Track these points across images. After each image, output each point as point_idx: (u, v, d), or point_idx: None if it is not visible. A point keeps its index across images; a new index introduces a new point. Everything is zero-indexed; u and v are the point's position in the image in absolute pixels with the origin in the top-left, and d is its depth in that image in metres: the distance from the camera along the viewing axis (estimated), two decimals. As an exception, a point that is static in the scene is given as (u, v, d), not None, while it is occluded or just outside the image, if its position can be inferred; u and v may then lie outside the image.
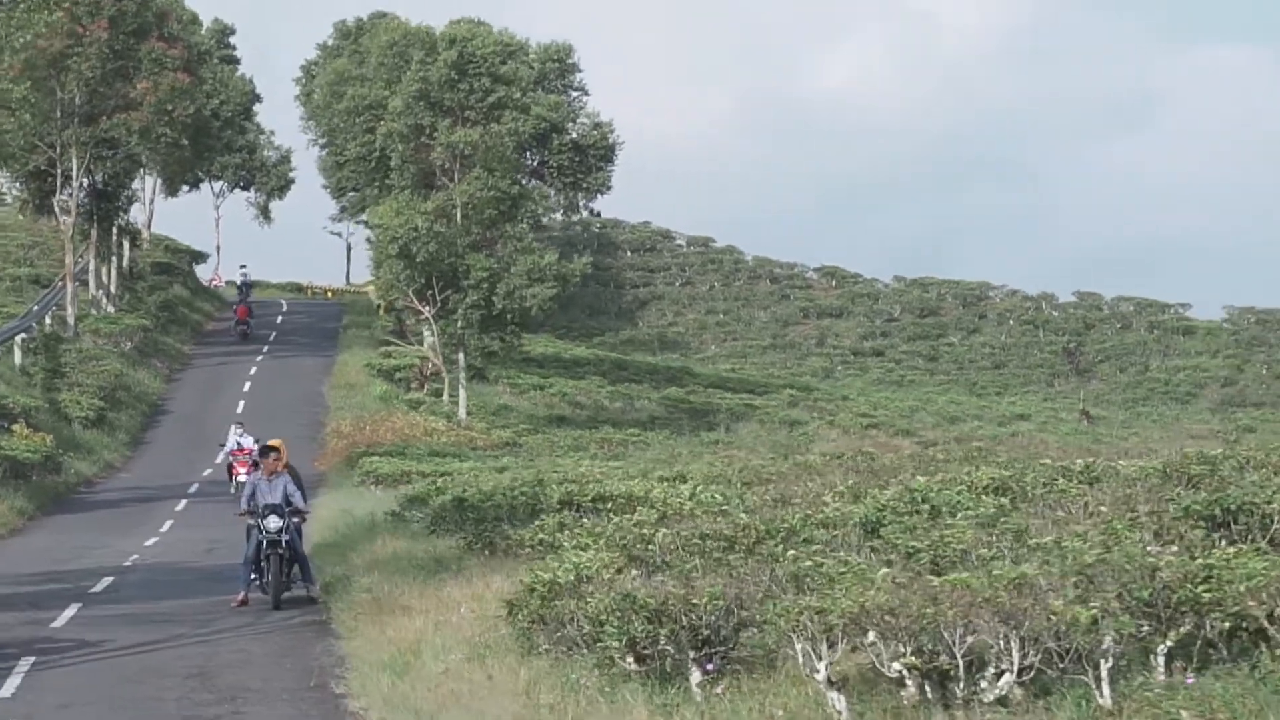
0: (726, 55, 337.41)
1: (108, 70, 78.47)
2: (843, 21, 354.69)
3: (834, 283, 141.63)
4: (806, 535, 19.09)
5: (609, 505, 24.49)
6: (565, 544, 19.99)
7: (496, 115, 77.55)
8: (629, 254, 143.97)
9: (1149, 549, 15.64)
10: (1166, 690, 13.34)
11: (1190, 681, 13.50)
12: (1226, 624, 13.94)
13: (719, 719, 15.10)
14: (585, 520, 22.43)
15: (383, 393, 75.25)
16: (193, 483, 56.00)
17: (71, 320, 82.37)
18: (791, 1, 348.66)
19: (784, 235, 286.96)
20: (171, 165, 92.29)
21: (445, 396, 76.58)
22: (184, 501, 51.29)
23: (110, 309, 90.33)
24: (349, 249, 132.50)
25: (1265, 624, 13.82)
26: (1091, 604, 13.77)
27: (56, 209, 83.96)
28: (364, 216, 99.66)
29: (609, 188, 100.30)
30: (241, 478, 49.46)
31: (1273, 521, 16.79)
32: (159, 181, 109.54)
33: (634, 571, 17.98)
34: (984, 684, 14.06)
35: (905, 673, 14.27)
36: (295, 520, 28.70)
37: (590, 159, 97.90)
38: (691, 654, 16.22)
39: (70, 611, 27.76)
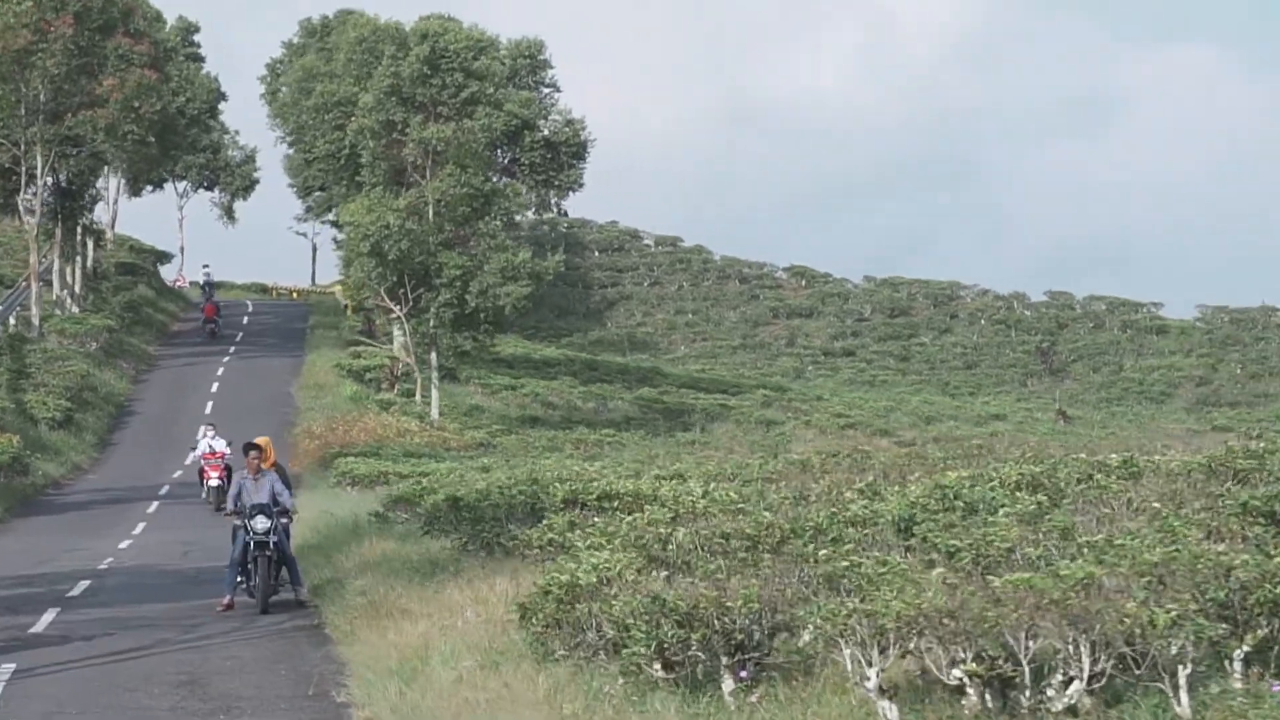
0: (689, 55, 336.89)
1: (73, 67, 77.31)
2: (807, 22, 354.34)
3: (803, 282, 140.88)
4: (834, 534, 18.12)
5: (615, 504, 23.50)
6: (578, 544, 18.93)
7: (469, 111, 76.72)
8: (597, 254, 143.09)
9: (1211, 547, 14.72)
10: (1251, 698, 12.44)
11: (1277, 689, 12.58)
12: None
13: (757, 730, 14.15)
14: (596, 520, 21.39)
15: (353, 393, 74.33)
16: (163, 484, 55.15)
17: (36, 321, 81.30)
18: (754, 4, 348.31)
19: (751, 235, 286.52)
20: (138, 163, 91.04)
21: (418, 397, 75.64)
22: (155, 503, 50.42)
23: (75, 309, 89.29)
24: (314, 249, 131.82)
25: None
26: (1169, 606, 12.82)
27: (20, 208, 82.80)
28: (331, 216, 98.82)
29: (581, 185, 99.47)
30: (213, 482, 48.54)
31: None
32: (123, 181, 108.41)
33: (663, 572, 16.99)
34: (1050, 692, 13.12)
35: (966, 680, 13.31)
36: (284, 521, 27.60)
37: (562, 156, 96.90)
38: (724, 660, 15.26)
39: (49, 616, 26.70)
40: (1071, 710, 12.99)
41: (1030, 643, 13.11)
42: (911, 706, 13.74)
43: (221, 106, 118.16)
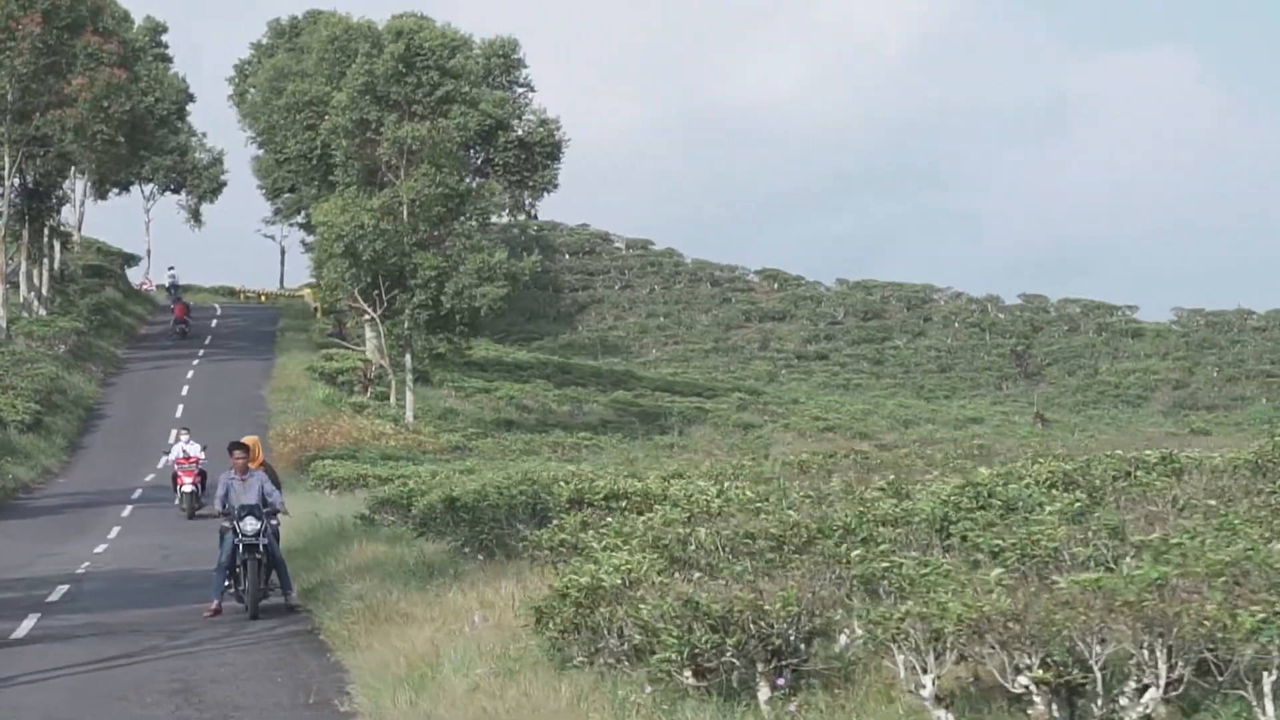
0: (656, 59, 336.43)
1: (41, 66, 76.35)
2: (775, 27, 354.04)
3: (775, 285, 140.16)
4: (865, 534, 17.22)
5: (623, 503, 22.58)
6: (593, 545, 18.00)
7: (444, 109, 75.81)
8: (567, 257, 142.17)
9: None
10: (1341, 706, 11.60)
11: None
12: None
13: (800, 743, 13.29)
14: (608, 520, 20.45)
15: (326, 396, 73.43)
16: (135, 488, 54.28)
17: (3, 323, 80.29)
18: (720, 8, 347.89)
19: (721, 238, 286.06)
20: (107, 163, 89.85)
21: (392, 400, 74.74)
22: (129, 507, 49.53)
23: (43, 312, 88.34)
24: (283, 252, 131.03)
25: None
26: (1254, 608, 11.95)
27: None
28: (301, 218, 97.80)
29: (556, 185, 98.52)
30: (187, 488, 47.69)
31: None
32: (89, 183, 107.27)
33: (695, 574, 16.08)
34: (1124, 700, 12.25)
35: (1033, 688, 12.44)
36: (274, 522, 26.59)
37: (537, 156, 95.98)
38: (760, 667, 14.37)
39: (29, 622, 25.69)
40: (1147, 719, 12.15)
41: (1099, 647, 12.27)
42: (967, 716, 12.91)
43: (189, 109, 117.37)
